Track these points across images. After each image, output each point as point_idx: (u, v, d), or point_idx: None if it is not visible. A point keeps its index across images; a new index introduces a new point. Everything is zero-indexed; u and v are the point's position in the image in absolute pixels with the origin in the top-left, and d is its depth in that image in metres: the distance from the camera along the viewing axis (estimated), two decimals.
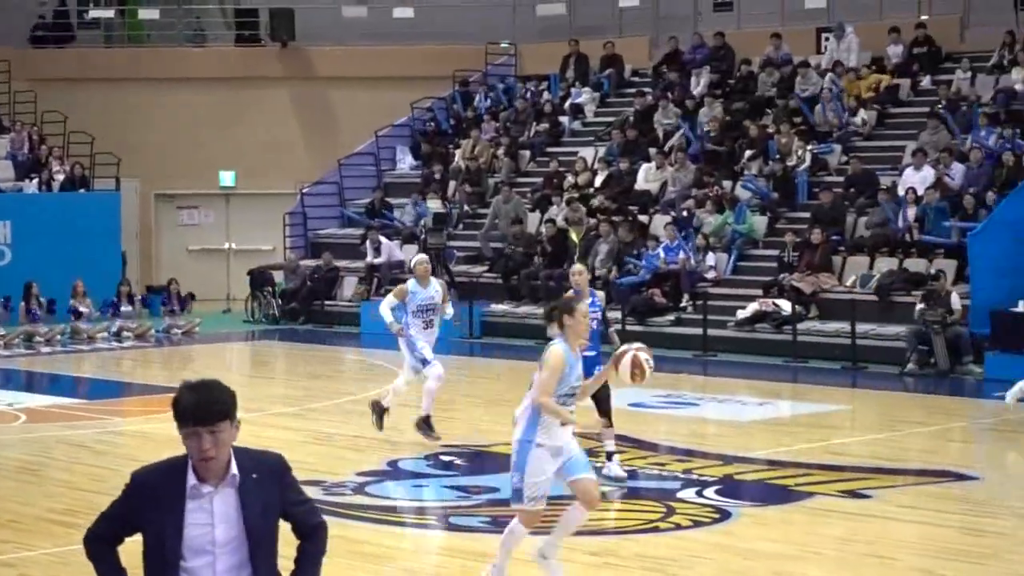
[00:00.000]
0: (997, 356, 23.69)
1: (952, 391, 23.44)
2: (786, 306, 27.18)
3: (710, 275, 29.59)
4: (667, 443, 18.19)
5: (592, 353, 14.00)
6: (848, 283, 27.65)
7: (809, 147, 31.79)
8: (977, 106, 30.63)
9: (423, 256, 18.75)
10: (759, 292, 28.31)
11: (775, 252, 29.34)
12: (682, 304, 29.14)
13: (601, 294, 16.79)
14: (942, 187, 28.06)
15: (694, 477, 15.76)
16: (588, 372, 12.47)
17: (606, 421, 15.36)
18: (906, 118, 32.27)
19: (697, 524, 13.64)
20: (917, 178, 28.73)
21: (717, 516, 13.97)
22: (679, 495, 14.86)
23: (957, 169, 28.74)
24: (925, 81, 32.99)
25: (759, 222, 30.59)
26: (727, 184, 31.74)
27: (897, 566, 12.11)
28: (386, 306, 17.93)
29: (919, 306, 24.93)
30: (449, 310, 18.42)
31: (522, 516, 10.74)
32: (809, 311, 27.49)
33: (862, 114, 32.33)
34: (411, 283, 17.90)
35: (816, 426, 19.84)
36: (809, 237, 28.30)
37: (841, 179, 30.66)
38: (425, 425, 17.59)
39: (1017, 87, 30.44)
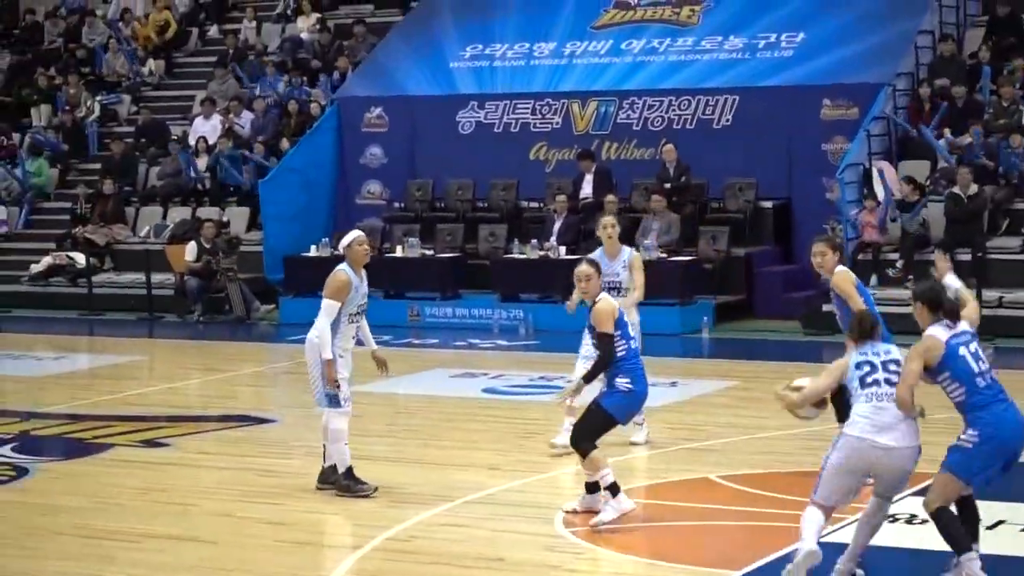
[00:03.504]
0: (292, 301, 24.20)
1: (249, 337, 23.79)
2: (80, 259, 26.82)
3: (1, 230, 28.82)
4: None
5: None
6: (142, 233, 27.57)
7: (98, 97, 31.45)
8: (264, 55, 31.12)
9: (359, 233, 12.60)
10: (52, 245, 27.77)
11: (67, 204, 28.87)
12: None
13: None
14: (232, 135, 28.34)
15: None
16: None
17: None
18: (194, 67, 32.44)
19: None
20: (207, 127, 28.91)
21: (14, 474, 13.64)
22: None
23: (246, 117, 29.10)
24: (212, 30, 33.25)
25: (50, 174, 30.03)
26: (16, 136, 30.91)
27: (197, 511, 12.19)
28: (328, 325, 12.12)
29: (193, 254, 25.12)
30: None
31: None
32: (104, 263, 27.26)
33: (151, 64, 32.26)
34: (347, 271, 12.28)
35: (113, 378, 19.68)
36: (101, 188, 28.01)
37: (131, 129, 30.52)
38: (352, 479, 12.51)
39: (303, 36, 31.11)
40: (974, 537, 9.46)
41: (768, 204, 24.04)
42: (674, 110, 25.12)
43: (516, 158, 25.86)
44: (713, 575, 9.95)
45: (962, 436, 9.24)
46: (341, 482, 12.40)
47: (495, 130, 26.36)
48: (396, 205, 26.69)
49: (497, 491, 12.59)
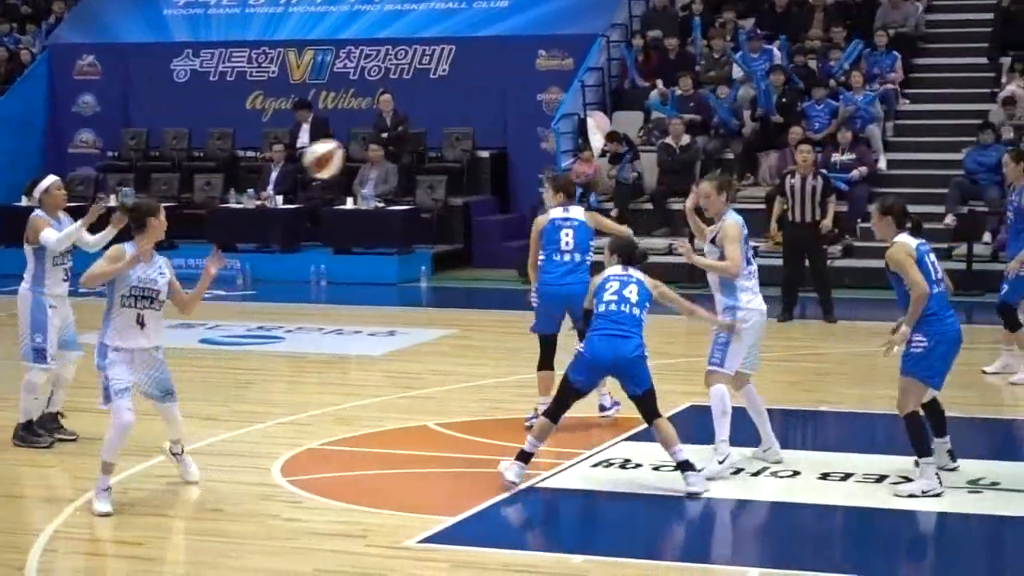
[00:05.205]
0: (2, 251, 23.60)
1: None
2: None
3: None
4: None
5: None
6: None
7: None
8: None
9: (56, 179, 12.63)
10: None
11: None
12: None
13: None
14: None
15: None
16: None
17: None
18: None
19: None
20: None
21: None
22: None
23: None
24: None
25: None
26: None
27: None
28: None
29: None
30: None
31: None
32: None
33: None
34: (44, 216, 12.24)
35: None
36: None
37: None
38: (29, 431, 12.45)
39: None
40: (941, 430, 10.78)
41: (485, 154, 24.28)
42: (391, 60, 25.17)
43: (232, 107, 25.65)
44: (430, 521, 10.05)
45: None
46: (19, 432, 12.34)
47: (211, 79, 26.10)
48: (110, 154, 26.25)
49: (215, 441, 12.52)
